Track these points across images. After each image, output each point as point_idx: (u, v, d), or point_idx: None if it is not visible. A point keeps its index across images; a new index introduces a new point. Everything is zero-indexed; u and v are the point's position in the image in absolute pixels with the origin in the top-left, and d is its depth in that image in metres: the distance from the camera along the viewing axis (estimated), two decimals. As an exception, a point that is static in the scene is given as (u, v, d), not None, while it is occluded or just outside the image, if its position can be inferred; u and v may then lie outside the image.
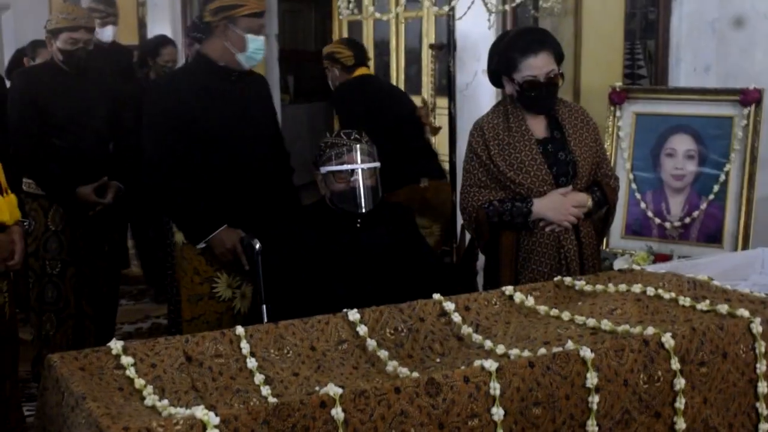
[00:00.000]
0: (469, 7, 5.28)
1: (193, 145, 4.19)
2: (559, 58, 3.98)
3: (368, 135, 4.07)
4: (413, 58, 8.82)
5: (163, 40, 7.03)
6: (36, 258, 5.21)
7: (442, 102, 7.62)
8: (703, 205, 4.67)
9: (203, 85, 4.25)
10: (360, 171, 3.98)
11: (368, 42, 9.39)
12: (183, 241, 4.33)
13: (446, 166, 6.50)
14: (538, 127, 4.00)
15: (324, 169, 4.01)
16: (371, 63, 9.26)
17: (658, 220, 4.79)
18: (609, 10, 5.71)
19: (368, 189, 3.98)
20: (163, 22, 12.02)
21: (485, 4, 5.30)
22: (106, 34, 7.53)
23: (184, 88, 4.25)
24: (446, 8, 5.14)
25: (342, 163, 3.97)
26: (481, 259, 4.56)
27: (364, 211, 3.98)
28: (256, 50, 4.24)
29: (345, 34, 9.54)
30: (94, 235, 5.29)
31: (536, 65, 3.89)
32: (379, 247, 3.97)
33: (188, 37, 5.60)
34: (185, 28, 11.18)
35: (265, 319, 3.93)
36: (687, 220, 4.71)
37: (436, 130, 6.50)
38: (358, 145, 3.99)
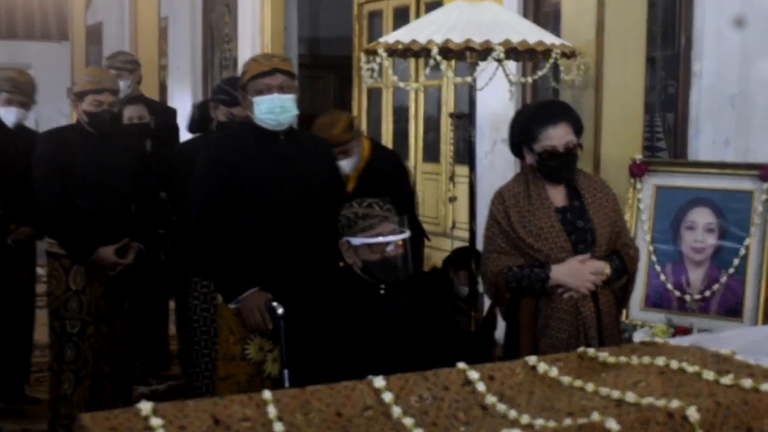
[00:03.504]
0: (491, 78, 5.36)
1: (237, 202, 4.25)
2: (578, 130, 4.05)
3: None
4: (431, 126, 8.90)
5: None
6: (56, 317, 5.24)
7: (460, 170, 7.68)
8: (723, 279, 4.69)
9: (249, 145, 4.33)
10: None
11: (387, 108, 9.48)
12: (222, 300, 4.38)
13: (465, 234, 6.53)
14: (557, 195, 4.07)
15: (358, 241, 4.02)
16: (384, 131, 9.38)
17: (677, 293, 4.80)
18: (629, 83, 5.76)
19: (403, 258, 4.02)
20: (183, 85, 12.19)
21: (507, 76, 5.38)
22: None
23: (230, 148, 4.33)
24: (469, 79, 5.19)
25: (376, 234, 4.01)
26: (500, 327, 4.58)
27: (402, 279, 4.01)
28: (267, 111, 4.27)
29: (364, 101, 9.64)
30: (114, 295, 5.31)
31: (555, 135, 3.97)
32: (401, 314, 4.00)
33: (213, 101, 5.66)
34: (207, 90, 11.35)
35: (287, 384, 3.95)
36: (707, 293, 4.73)
37: None
38: (389, 216, 4.03)
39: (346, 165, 5.01)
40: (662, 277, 4.85)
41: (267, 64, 4.31)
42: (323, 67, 12.06)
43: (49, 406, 5.42)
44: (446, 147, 8.28)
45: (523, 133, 4.05)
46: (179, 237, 5.78)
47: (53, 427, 5.30)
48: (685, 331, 4.60)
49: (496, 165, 6.98)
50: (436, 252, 7.74)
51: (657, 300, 4.89)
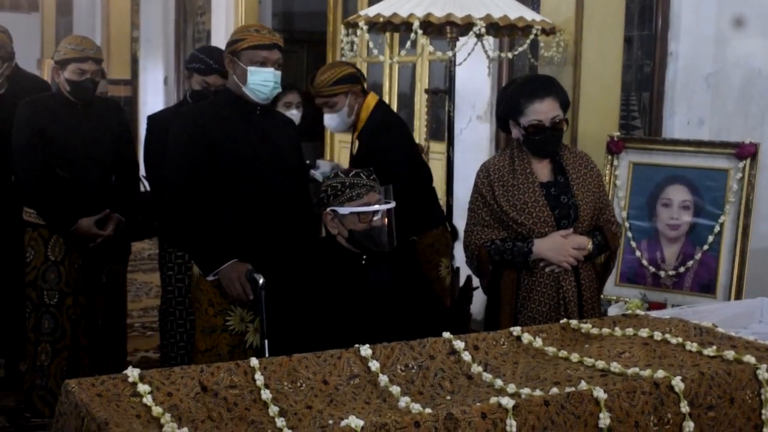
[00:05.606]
0: (469, 54, 5.37)
1: (215, 174, 4.24)
2: (564, 105, 4.08)
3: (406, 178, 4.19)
4: (405, 102, 8.90)
5: None
6: (34, 288, 5.19)
7: (435, 146, 7.70)
8: (698, 255, 4.76)
9: (227, 117, 4.30)
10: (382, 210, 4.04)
11: (361, 85, 9.45)
12: (199, 272, 4.36)
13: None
14: (542, 170, 4.10)
15: (345, 210, 4.00)
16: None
17: (652, 269, 4.86)
18: (607, 61, 5.81)
19: (388, 228, 4.04)
20: (156, 58, 12.11)
21: (485, 52, 5.40)
22: None
23: (207, 119, 4.30)
24: (450, 54, 5.21)
25: (364, 204, 4.00)
26: (478, 301, 4.62)
27: (386, 250, 4.03)
28: (261, 83, 4.26)
29: (337, 76, 9.58)
30: (93, 267, 5.29)
31: (541, 110, 3.99)
32: (383, 285, 4.02)
33: (186, 69, 5.60)
34: (178, 63, 11.29)
35: (267, 354, 3.97)
36: (681, 269, 4.79)
37: None
38: (375, 186, 4.05)
39: (329, 120, 5.04)
40: (637, 253, 4.91)
41: (269, 38, 4.29)
42: (296, 42, 11.99)
43: (25, 378, 5.39)
44: (420, 123, 8.29)
45: (509, 106, 4.06)
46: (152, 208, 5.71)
47: (29, 398, 5.27)
48: (659, 306, 4.65)
49: (471, 141, 7.01)
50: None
51: (632, 276, 4.95)
